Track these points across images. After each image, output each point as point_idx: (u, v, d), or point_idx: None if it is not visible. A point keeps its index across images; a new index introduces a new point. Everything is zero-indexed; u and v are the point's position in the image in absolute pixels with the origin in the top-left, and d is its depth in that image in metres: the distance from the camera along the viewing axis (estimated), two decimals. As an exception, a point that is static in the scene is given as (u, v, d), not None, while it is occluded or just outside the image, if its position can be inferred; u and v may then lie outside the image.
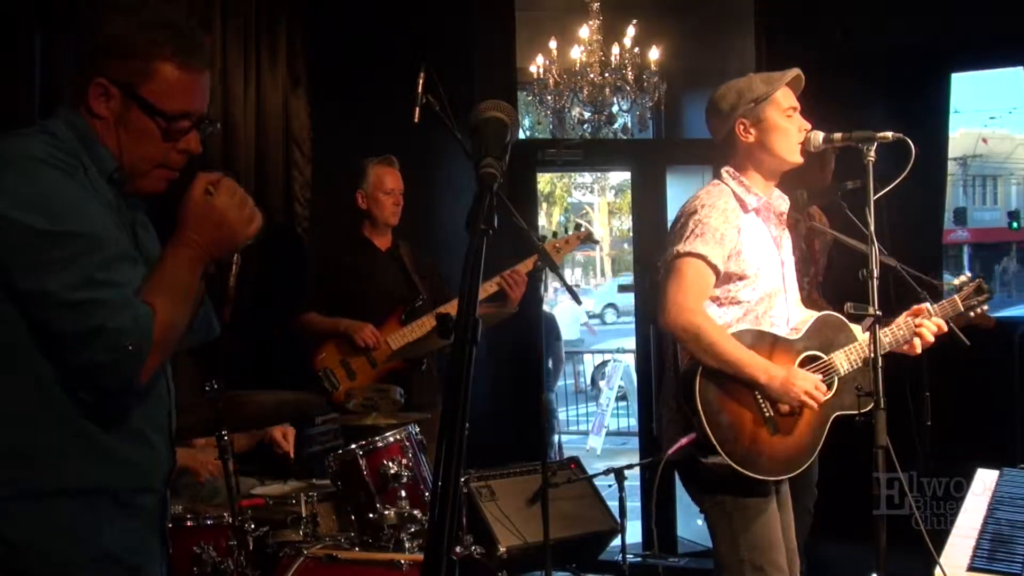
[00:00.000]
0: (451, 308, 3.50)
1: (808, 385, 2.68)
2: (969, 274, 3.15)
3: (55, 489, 1.68)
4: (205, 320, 1.94)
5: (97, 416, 1.70)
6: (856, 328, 2.86)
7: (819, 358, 2.79)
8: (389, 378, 3.99)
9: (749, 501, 2.73)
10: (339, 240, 4.35)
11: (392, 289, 4.18)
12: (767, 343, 2.74)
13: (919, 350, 2.89)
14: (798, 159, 2.83)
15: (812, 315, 2.89)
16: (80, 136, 1.73)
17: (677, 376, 2.81)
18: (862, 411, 2.71)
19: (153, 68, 1.73)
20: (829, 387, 2.75)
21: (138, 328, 1.61)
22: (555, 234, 4.20)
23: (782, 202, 2.92)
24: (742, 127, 2.79)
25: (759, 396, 2.69)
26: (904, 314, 2.89)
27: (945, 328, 2.91)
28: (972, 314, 3.04)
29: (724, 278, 2.75)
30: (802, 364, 2.77)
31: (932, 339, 2.88)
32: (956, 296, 3.02)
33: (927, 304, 2.95)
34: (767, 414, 2.69)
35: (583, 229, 4.16)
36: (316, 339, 4.14)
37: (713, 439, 2.63)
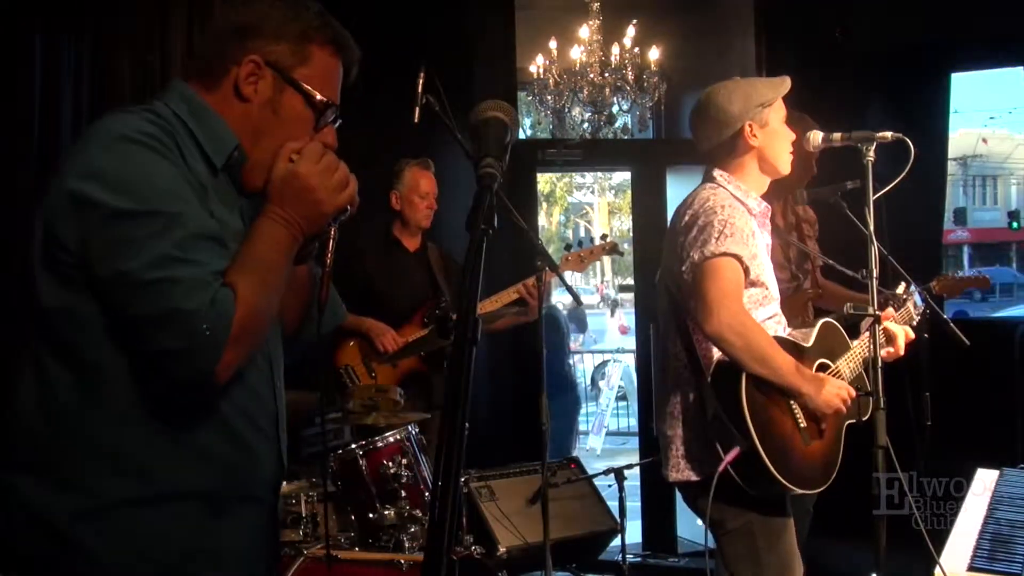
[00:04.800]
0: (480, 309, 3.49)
1: (844, 392, 2.61)
2: (904, 285, 3.12)
3: (142, 496, 1.53)
4: (332, 304, 1.75)
5: (183, 414, 1.55)
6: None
7: (828, 366, 2.74)
8: (410, 378, 3.97)
9: (777, 520, 2.63)
10: (367, 238, 4.23)
11: (417, 291, 4.16)
12: (793, 352, 2.63)
13: (901, 352, 2.87)
14: (788, 169, 2.81)
15: (816, 323, 2.83)
16: (193, 111, 1.60)
17: (703, 385, 2.62)
18: (863, 419, 2.68)
19: (310, 51, 1.61)
20: None
21: (215, 311, 1.44)
22: (580, 243, 4.18)
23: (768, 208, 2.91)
24: (750, 129, 2.69)
25: (794, 406, 2.59)
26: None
27: (912, 336, 2.92)
28: (914, 323, 3.05)
29: (746, 284, 2.63)
30: (817, 372, 2.69)
31: (902, 345, 2.88)
32: (908, 306, 3.05)
33: (891, 310, 2.96)
34: (801, 424, 2.59)
35: (609, 239, 4.15)
36: (338, 335, 4.07)
37: (762, 452, 2.47)
